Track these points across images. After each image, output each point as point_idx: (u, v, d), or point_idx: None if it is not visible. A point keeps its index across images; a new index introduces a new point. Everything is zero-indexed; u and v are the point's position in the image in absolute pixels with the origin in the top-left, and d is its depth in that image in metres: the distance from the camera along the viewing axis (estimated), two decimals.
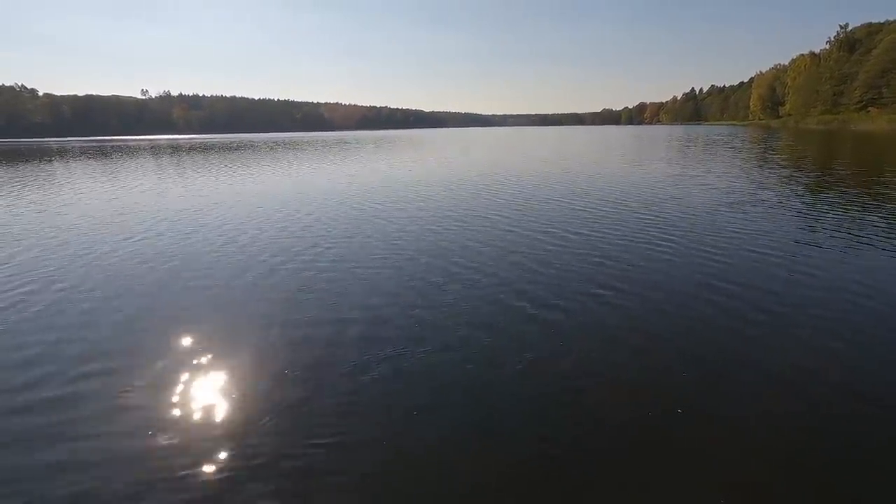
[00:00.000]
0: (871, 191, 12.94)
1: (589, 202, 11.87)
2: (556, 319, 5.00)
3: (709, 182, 15.21)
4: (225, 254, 7.92)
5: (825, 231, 8.48)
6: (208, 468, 3.01)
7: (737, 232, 8.51)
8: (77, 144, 76.03)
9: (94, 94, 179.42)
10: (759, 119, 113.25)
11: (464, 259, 7.20)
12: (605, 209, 10.89)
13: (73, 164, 31.36)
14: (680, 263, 6.78)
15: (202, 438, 3.29)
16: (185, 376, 4.09)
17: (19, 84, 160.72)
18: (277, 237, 9.01)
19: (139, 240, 9.03)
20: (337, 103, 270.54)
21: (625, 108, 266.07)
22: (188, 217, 11.34)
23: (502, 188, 14.98)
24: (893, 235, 8.03)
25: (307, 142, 68.04)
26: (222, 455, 3.12)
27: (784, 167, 19.44)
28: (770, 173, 17.38)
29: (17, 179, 21.39)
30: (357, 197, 13.80)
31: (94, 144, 74.59)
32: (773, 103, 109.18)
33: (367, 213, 11.16)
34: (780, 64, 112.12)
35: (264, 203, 13.14)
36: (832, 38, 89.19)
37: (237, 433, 3.33)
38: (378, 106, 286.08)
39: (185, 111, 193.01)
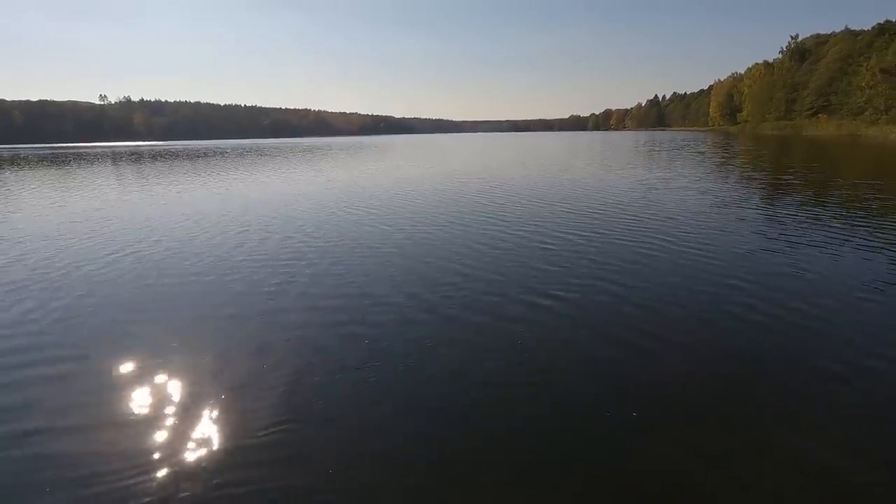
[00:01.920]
0: (832, 192, 13.56)
1: (574, 207, 12.00)
2: (547, 321, 5.01)
3: (684, 185, 15.65)
4: (207, 261, 7.63)
5: (803, 228, 8.82)
6: (204, 465, 2.88)
7: (718, 231, 8.78)
8: (29, 152, 72.48)
9: (49, 98, 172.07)
10: (719, 125, 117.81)
11: (451, 262, 7.16)
12: (588, 213, 11.04)
13: (31, 173, 29.86)
14: (668, 263, 6.91)
15: (199, 436, 3.13)
16: (174, 382, 3.89)
17: None
18: (261, 246, 8.75)
19: (113, 253, 8.62)
20: (306, 109, 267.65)
21: (592, 114, 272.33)
22: (161, 227, 10.92)
23: (486, 193, 15.01)
24: (871, 232, 8.40)
25: (276, 149, 66.84)
26: (217, 453, 2.98)
27: (751, 171, 20.23)
28: (739, 177, 18.03)
29: None
30: (338, 204, 13.55)
31: (48, 152, 71.27)
32: (731, 110, 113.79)
33: (352, 219, 10.98)
34: (736, 72, 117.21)
35: (246, 211, 12.77)
36: (784, 48, 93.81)
37: (233, 437, 3.18)
38: (347, 112, 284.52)
39: (146, 118, 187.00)
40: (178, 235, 9.87)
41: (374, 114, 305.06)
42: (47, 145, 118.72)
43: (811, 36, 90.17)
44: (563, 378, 3.99)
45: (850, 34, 78.07)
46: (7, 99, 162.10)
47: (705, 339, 4.62)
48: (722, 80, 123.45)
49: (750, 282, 6.09)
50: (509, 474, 2.93)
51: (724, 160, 26.55)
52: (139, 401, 3.80)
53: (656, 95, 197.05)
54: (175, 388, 3.94)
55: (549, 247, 8.06)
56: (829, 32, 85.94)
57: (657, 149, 41.13)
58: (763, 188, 15.04)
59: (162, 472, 2.98)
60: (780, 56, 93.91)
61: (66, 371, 4.32)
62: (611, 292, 5.84)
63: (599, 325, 4.95)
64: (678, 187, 15.28)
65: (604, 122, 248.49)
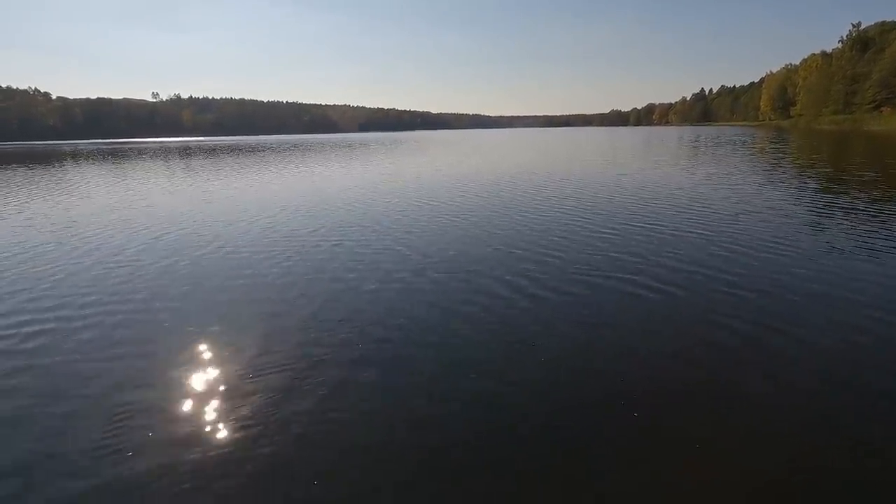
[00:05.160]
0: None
1: (636, 202, 11.86)
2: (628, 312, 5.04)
3: (742, 182, 15.14)
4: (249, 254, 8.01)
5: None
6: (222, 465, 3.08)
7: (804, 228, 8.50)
8: (91, 147, 76.90)
9: (106, 97, 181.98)
10: (770, 119, 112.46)
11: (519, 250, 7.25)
12: (654, 208, 10.90)
13: (102, 166, 31.76)
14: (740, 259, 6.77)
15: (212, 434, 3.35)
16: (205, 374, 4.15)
17: (33, 87, 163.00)
18: (311, 238, 9.09)
19: (156, 240, 9.16)
20: (345, 105, 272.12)
21: (633, 108, 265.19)
22: (210, 219, 11.47)
23: (531, 189, 14.99)
24: None
25: (319, 144, 68.39)
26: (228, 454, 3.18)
27: (816, 170, 19.32)
28: (804, 177, 17.27)
29: (47, 181, 21.71)
30: (382, 199, 13.84)
31: (107, 147, 75.42)
32: (783, 104, 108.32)
33: (406, 215, 11.21)
34: (790, 64, 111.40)
35: (294, 205, 13.25)
36: (844, 38, 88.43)
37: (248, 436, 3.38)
38: (385, 108, 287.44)
39: (194, 115, 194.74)
40: (265, 223, 10.34)
41: (412, 109, 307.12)
42: (104, 141, 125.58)
43: (876, 24, 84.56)
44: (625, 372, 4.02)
45: None
46: (69, 97, 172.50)
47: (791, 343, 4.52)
48: (774, 71, 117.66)
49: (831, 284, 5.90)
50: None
51: (783, 157, 25.38)
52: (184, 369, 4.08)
53: (702, 89, 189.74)
54: (217, 365, 4.19)
55: (611, 236, 8.02)
56: (895, 20, 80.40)
57: (707, 144, 39.68)
58: (833, 185, 14.34)
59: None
60: (840, 46, 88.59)
61: (148, 348, 4.67)
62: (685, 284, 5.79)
63: (685, 318, 4.94)
64: (737, 185, 14.77)
65: (646, 117, 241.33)
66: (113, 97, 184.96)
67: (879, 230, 8.26)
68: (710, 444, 3.07)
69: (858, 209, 10.15)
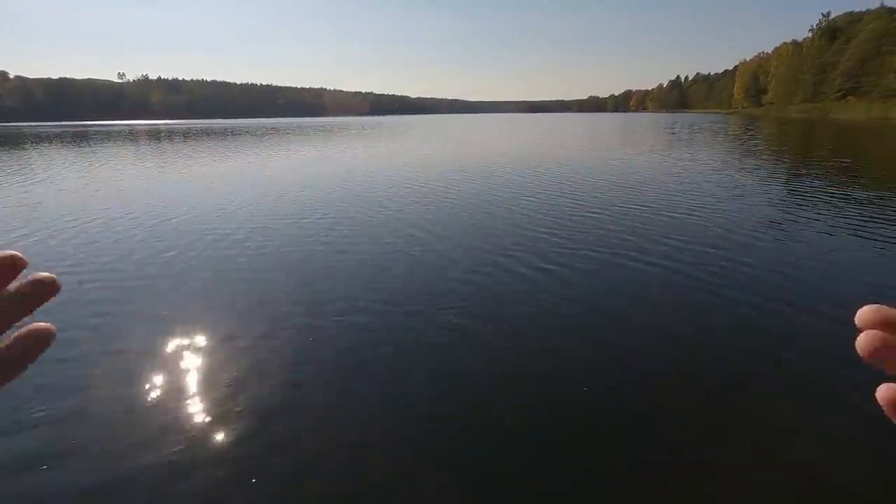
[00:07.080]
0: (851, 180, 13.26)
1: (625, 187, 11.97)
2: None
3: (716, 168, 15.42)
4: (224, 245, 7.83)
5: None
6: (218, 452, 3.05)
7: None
8: (52, 130, 73.39)
9: (69, 76, 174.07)
10: (742, 107, 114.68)
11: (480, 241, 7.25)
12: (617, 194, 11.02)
13: (70, 152, 30.40)
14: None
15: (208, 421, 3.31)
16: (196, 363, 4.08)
17: None
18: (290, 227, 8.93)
19: (139, 232, 8.87)
20: (321, 89, 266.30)
21: (611, 95, 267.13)
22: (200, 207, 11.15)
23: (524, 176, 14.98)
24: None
25: (299, 128, 66.72)
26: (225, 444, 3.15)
27: (789, 158, 19.78)
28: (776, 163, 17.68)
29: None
30: (373, 186, 13.66)
31: (70, 130, 72.07)
32: (756, 91, 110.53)
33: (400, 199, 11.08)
34: (763, 52, 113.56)
35: (278, 193, 12.97)
36: (814, 27, 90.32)
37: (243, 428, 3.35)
38: (363, 92, 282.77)
39: (164, 96, 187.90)
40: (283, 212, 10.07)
41: (390, 93, 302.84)
42: (67, 123, 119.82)
43: (844, 14, 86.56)
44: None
45: (886, 11, 74.77)
46: (28, 76, 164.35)
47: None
48: (748, 59, 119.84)
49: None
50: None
51: (759, 144, 25.94)
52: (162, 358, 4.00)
53: (678, 76, 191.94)
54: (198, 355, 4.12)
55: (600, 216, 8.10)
56: (862, 10, 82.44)
57: (688, 133, 40.26)
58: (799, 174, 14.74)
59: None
60: (810, 35, 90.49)
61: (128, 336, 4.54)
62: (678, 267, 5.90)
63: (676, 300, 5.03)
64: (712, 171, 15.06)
65: (623, 103, 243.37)
66: (76, 77, 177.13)
67: (861, 214, 8.57)
68: (716, 429, 3.18)
69: (836, 194, 10.48)
